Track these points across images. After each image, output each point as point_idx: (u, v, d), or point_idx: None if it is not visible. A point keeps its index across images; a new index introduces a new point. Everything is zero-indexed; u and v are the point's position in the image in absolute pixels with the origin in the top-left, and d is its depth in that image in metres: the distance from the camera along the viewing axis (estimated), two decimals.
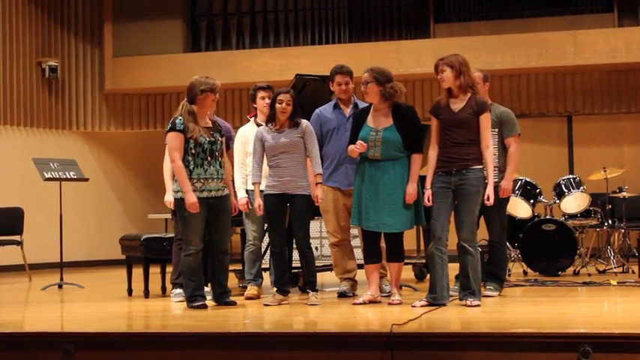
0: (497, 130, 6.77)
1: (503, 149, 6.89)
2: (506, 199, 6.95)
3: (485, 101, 6.27)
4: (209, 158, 6.47)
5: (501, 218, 6.95)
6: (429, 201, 6.21)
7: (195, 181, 6.44)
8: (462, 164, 6.13)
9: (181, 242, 7.02)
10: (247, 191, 7.03)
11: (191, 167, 6.45)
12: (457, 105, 6.21)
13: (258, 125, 7.03)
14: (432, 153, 6.25)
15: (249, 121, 7.45)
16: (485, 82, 6.95)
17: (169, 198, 6.93)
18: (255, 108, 7.31)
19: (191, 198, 6.36)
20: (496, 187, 6.53)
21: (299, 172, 6.62)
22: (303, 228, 6.62)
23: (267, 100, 7.12)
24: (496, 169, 6.66)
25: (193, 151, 6.45)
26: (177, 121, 6.48)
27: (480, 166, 6.16)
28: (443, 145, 6.21)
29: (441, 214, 6.16)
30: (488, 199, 6.14)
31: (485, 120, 6.18)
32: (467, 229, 6.14)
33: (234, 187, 6.94)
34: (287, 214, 6.79)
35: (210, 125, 6.58)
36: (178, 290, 7.07)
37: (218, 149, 6.52)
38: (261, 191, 6.78)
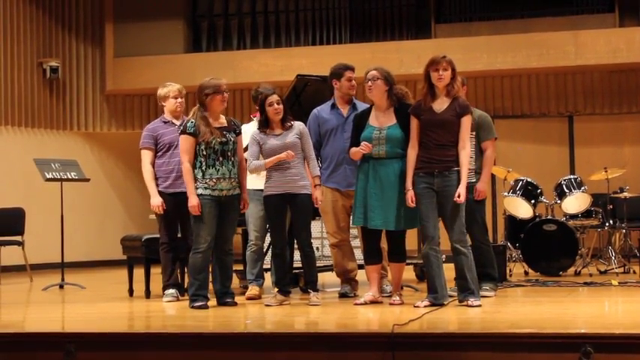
0: (474, 133, 6.77)
1: (480, 152, 6.92)
2: (483, 201, 6.95)
3: (468, 104, 6.28)
4: (220, 159, 6.51)
5: (480, 219, 6.95)
6: (412, 202, 6.20)
7: (207, 180, 6.49)
8: (444, 166, 6.13)
9: (166, 245, 7.15)
10: (249, 190, 7.03)
11: (203, 168, 6.51)
12: (440, 106, 6.20)
13: None
14: (412, 152, 6.22)
15: (251, 120, 7.46)
16: (463, 86, 6.91)
17: (158, 202, 7.04)
18: (258, 108, 7.32)
19: (193, 200, 6.45)
20: (471, 187, 6.56)
21: (300, 172, 6.62)
22: (305, 227, 6.62)
23: None
24: (472, 171, 6.66)
25: (204, 153, 6.50)
26: (189, 124, 6.54)
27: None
28: (424, 146, 6.19)
29: (429, 214, 6.15)
30: (459, 196, 6.12)
31: (466, 122, 6.19)
32: (456, 230, 6.14)
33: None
34: (287, 214, 6.78)
35: (225, 125, 6.61)
36: (170, 291, 7.10)
37: (230, 149, 6.54)
38: (260, 190, 6.80)
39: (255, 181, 7.04)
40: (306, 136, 6.68)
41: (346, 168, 6.91)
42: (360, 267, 7.14)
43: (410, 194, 6.18)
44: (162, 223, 7.16)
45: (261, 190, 6.77)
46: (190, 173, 6.51)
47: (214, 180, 6.48)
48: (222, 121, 6.63)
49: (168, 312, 6.62)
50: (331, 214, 7.02)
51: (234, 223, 6.67)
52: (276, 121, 6.62)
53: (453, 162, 6.14)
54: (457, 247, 6.15)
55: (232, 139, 6.57)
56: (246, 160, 6.73)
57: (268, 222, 6.84)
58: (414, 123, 6.24)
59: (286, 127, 6.64)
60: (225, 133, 6.54)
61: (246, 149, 6.89)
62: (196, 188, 6.49)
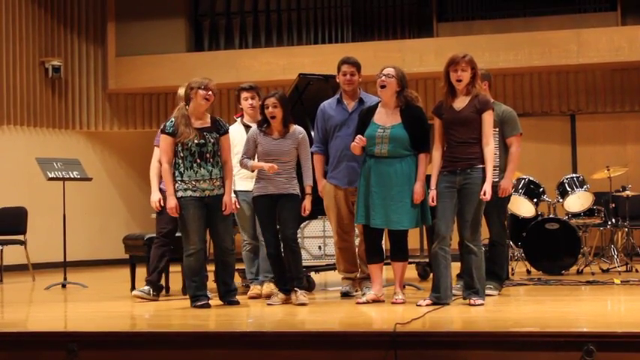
0: (498, 129, 6.76)
1: (504, 148, 6.88)
2: (507, 198, 6.95)
3: (488, 99, 6.27)
4: (198, 160, 6.46)
5: (502, 217, 6.96)
6: (433, 201, 6.19)
7: (187, 182, 6.45)
8: (467, 163, 6.12)
9: (162, 241, 7.14)
10: (235, 192, 7.02)
11: (181, 170, 6.47)
12: (460, 104, 6.20)
13: (245, 125, 7.05)
14: (436, 153, 6.25)
15: (234, 121, 7.46)
16: (484, 81, 6.88)
17: (155, 198, 7.03)
18: (242, 109, 7.34)
19: (171, 202, 6.43)
20: (496, 186, 6.52)
21: (288, 176, 6.61)
22: (290, 225, 6.57)
23: (250, 101, 7.21)
24: (497, 168, 6.64)
25: (182, 154, 6.45)
26: (168, 123, 6.51)
27: (484, 165, 6.15)
28: (448, 145, 6.21)
29: (445, 213, 6.14)
30: (484, 194, 6.11)
31: (488, 118, 6.17)
32: (471, 228, 6.13)
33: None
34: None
35: (208, 125, 6.55)
36: (147, 287, 7.07)
37: (209, 151, 6.47)
38: (249, 192, 6.81)
39: (243, 183, 7.03)
40: (304, 145, 6.65)
41: (347, 165, 6.87)
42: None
43: (432, 193, 6.17)
44: (164, 219, 7.10)
45: (249, 192, 6.79)
46: (169, 174, 6.45)
47: (193, 182, 6.44)
48: (206, 120, 6.56)
49: (170, 311, 6.62)
50: (333, 209, 6.96)
51: (226, 221, 6.58)
52: (274, 124, 6.60)
53: (475, 159, 6.11)
54: (469, 245, 6.13)
55: (212, 140, 6.49)
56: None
57: (258, 222, 6.82)
58: (436, 123, 6.27)
59: (284, 133, 6.61)
60: (204, 134, 6.47)
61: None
62: (177, 190, 6.45)
